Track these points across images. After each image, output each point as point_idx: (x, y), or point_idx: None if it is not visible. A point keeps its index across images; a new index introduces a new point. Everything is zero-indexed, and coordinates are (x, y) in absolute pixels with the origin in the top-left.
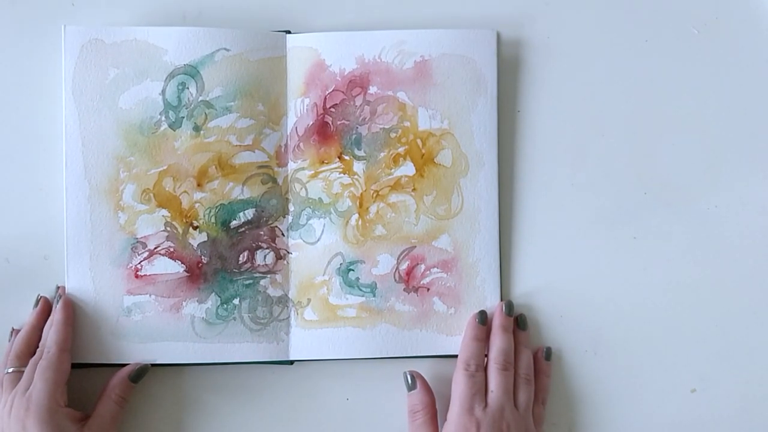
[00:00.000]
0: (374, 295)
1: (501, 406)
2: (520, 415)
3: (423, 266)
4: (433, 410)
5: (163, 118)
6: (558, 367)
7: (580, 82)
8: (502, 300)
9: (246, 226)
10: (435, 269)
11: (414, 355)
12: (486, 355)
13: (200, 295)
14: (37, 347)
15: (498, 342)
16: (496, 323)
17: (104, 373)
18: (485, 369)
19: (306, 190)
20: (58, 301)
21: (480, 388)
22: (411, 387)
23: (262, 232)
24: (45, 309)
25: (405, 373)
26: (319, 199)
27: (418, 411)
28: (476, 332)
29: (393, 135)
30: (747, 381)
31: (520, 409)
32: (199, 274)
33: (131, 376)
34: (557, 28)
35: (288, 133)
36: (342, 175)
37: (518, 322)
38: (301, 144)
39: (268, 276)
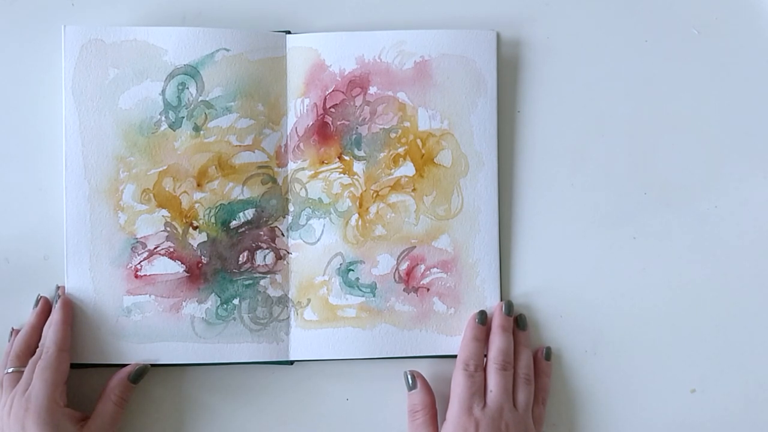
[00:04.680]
0: (374, 295)
1: (500, 405)
2: (519, 415)
3: (423, 266)
4: (434, 410)
5: (163, 118)
6: (558, 367)
7: (580, 82)
8: (501, 300)
9: (246, 226)
10: (435, 269)
11: (414, 355)
12: (485, 355)
13: (200, 296)
14: (37, 347)
15: (497, 342)
16: (496, 323)
17: (104, 373)
18: (484, 369)
19: (306, 190)
20: (57, 301)
21: (479, 388)
22: (411, 387)
23: (262, 233)
24: (45, 309)
25: (405, 372)
26: (319, 199)
27: (419, 411)
28: (476, 332)
29: (393, 135)
30: (747, 381)
31: (520, 409)
32: (198, 275)
33: (131, 376)
34: (557, 28)
35: (288, 133)
36: (342, 175)
37: (518, 322)
38: (301, 144)
39: (268, 276)
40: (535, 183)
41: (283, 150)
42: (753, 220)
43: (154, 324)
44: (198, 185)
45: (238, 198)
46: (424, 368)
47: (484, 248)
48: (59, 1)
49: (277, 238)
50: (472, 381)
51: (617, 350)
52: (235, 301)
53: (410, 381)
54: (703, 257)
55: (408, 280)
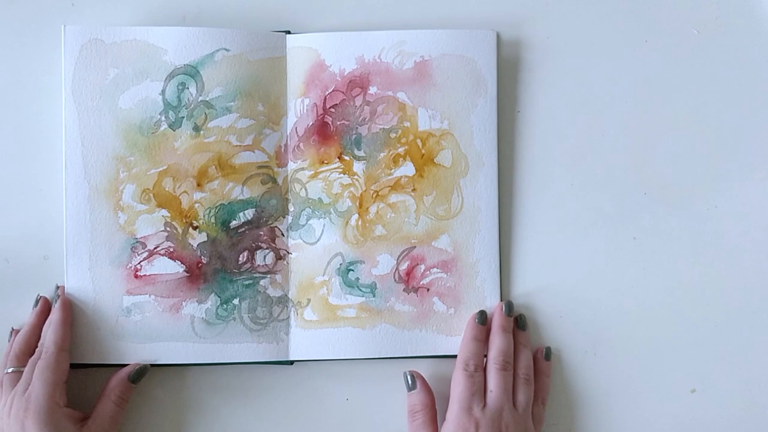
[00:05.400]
0: (374, 295)
1: (500, 406)
2: (519, 415)
3: (423, 266)
4: (433, 411)
5: (163, 118)
6: (558, 367)
7: (580, 83)
8: (501, 300)
9: (246, 226)
10: (435, 269)
11: (414, 355)
12: (485, 355)
13: (200, 296)
14: (37, 347)
15: (497, 342)
16: (496, 323)
17: (104, 373)
18: (484, 369)
19: (306, 190)
20: (56, 301)
21: (479, 388)
22: (411, 387)
23: (261, 233)
24: (44, 309)
25: (405, 373)
26: (319, 199)
27: (418, 411)
28: (476, 332)
29: (393, 135)
30: (747, 381)
31: (520, 409)
32: (198, 275)
33: (130, 376)
34: (557, 28)
35: (288, 134)
36: (342, 175)
37: (518, 323)
38: (301, 144)
39: (268, 276)
40: (535, 183)
41: (283, 150)
42: (753, 220)
43: (154, 324)
44: (198, 185)
45: (238, 198)
46: (424, 368)
47: (484, 248)
48: (59, 1)
49: (277, 238)
50: (472, 381)
51: (617, 350)
52: (235, 301)
53: (410, 381)
54: (703, 257)
55: (408, 280)
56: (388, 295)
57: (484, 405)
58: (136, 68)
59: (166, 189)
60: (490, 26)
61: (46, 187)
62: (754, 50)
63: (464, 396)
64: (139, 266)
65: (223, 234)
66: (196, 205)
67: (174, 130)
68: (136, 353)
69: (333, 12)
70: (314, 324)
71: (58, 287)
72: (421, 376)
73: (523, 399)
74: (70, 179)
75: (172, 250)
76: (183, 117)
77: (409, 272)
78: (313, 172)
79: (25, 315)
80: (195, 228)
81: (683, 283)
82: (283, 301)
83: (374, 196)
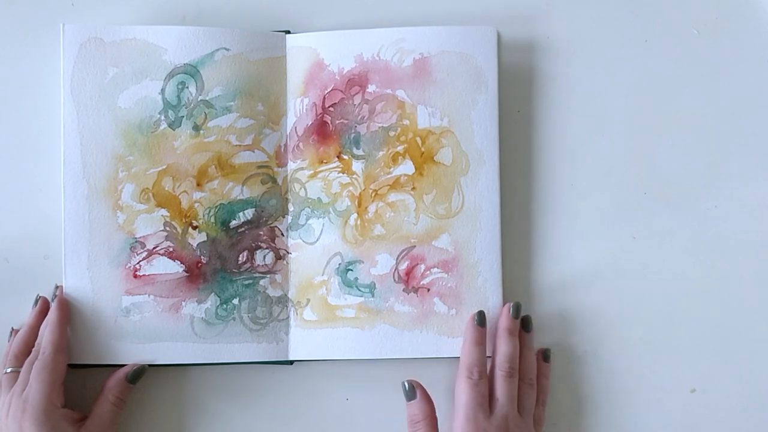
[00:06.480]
0: (373, 295)
1: (505, 414)
2: (523, 420)
3: (423, 266)
4: (434, 419)
5: (163, 118)
6: (558, 368)
7: (580, 82)
8: (503, 300)
9: (245, 226)
10: (435, 269)
11: (414, 356)
12: (489, 357)
13: (199, 295)
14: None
15: (503, 347)
16: (503, 326)
17: (103, 373)
18: (489, 372)
19: (305, 189)
20: (54, 301)
21: (484, 397)
22: (410, 397)
23: (261, 232)
24: (44, 309)
25: (404, 382)
26: (319, 198)
27: (419, 421)
28: (476, 336)
29: (392, 134)
30: (747, 381)
31: (523, 413)
32: (198, 274)
33: (129, 376)
34: (557, 27)
35: (287, 133)
36: (341, 174)
37: (523, 324)
38: (301, 144)
39: (268, 276)
40: (534, 183)
41: (282, 150)
42: (753, 220)
43: (154, 324)
44: (198, 185)
45: (238, 198)
46: (424, 370)
47: (486, 248)
48: (59, 1)
49: (276, 238)
50: (477, 390)
51: (617, 350)
52: (235, 301)
53: (409, 390)
54: (703, 257)
55: (408, 280)
56: (387, 295)
57: (490, 413)
58: (135, 67)
59: (166, 188)
60: (489, 25)
61: (45, 186)
62: (754, 50)
63: (469, 405)
64: (138, 266)
65: (223, 234)
66: (196, 205)
67: (173, 130)
68: (136, 353)
69: (333, 11)
70: (314, 324)
71: (57, 287)
72: (421, 385)
73: (527, 404)
74: (68, 178)
75: (171, 249)
76: (183, 116)
77: (409, 272)
78: (312, 171)
79: (25, 315)
80: (195, 228)
81: (683, 283)
82: (283, 300)
83: (373, 195)
